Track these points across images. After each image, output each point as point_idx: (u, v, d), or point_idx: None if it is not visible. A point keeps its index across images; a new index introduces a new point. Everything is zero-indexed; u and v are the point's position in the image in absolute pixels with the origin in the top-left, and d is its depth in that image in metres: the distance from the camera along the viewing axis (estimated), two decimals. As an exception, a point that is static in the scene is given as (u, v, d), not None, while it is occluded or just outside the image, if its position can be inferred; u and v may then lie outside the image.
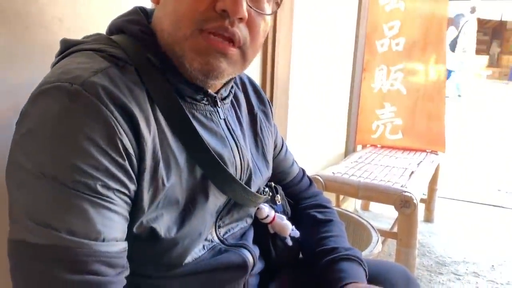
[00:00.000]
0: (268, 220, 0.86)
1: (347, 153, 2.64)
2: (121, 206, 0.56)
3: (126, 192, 0.57)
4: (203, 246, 0.72)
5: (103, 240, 0.53)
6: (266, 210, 0.86)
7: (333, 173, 1.88)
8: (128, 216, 0.58)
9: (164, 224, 0.63)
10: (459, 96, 8.86)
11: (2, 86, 0.73)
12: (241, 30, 0.62)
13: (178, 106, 0.64)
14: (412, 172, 1.98)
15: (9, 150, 0.56)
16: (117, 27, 0.68)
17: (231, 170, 0.71)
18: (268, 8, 0.66)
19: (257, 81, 1.50)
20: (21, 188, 0.54)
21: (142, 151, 0.58)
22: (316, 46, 2.06)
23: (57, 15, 0.79)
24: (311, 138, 2.18)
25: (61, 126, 0.53)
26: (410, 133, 2.52)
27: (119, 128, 0.55)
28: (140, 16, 0.68)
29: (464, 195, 3.24)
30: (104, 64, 0.58)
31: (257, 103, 0.88)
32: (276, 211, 0.88)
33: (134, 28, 0.66)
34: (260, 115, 0.86)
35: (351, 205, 2.66)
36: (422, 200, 2.54)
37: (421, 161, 2.23)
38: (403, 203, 1.61)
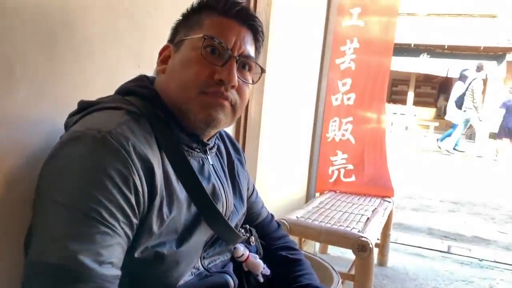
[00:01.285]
0: (243, 259, 0.98)
1: (308, 197, 2.79)
2: (122, 236, 0.67)
3: (129, 225, 0.68)
4: (191, 273, 0.84)
5: (102, 263, 0.63)
6: (242, 249, 0.98)
7: (297, 217, 2.01)
8: (125, 247, 0.69)
9: (166, 246, 0.75)
10: (454, 151, 9.03)
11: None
12: (233, 94, 0.81)
13: (181, 152, 0.79)
14: (368, 218, 2.13)
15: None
16: (127, 90, 0.83)
17: (219, 208, 0.85)
18: (251, 79, 0.86)
19: (232, 129, 1.64)
20: (43, 213, 0.66)
21: (154, 189, 0.72)
22: (283, 101, 2.24)
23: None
24: (276, 183, 2.32)
25: (86, 163, 0.66)
26: (362, 177, 2.76)
27: (134, 170, 0.68)
28: (146, 81, 0.85)
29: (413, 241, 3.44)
30: (124, 118, 0.73)
31: (233, 153, 1.03)
32: (250, 251, 1.00)
33: (142, 90, 0.82)
34: (236, 162, 1.02)
35: (310, 248, 2.78)
36: (376, 245, 2.69)
37: (375, 208, 2.40)
38: (360, 247, 1.75)
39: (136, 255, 0.71)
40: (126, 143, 0.68)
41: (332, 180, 2.80)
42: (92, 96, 0.83)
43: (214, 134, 0.90)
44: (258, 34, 0.88)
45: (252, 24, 0.85)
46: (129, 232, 0.69)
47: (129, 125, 0.72)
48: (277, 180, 2.35)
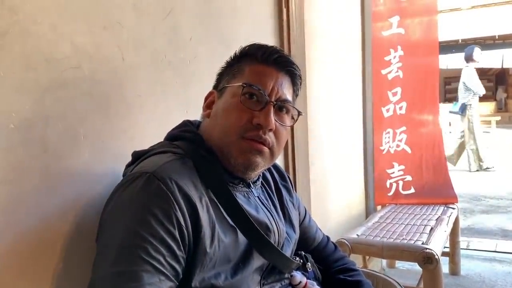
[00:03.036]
0: (300, 286, 1.00)
1: (368, 213, 2.76)
2: (168, 270, 0.72)
3: (174, 258, 0.73)
4: None
5: None
6: (299, 277, 1.00)
7: (357, 235, 2.00)
8: (174, 281, 0.73)
9: (221, 277, 0.80)
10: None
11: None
12: (270, 137, 0.86)
13: (225, 187, 0.84)
14: (432, 228, 2.08)
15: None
16: (174, 136, 0.91)
17: (271, 237, 0.89)
18: (288, 121, 0.91)
19: (280, 156, 1.69)
20: (97, 253, 0.75)
21: (199, 223, 0.76)
22: (329, 120, 2.27)
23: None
24: (333, 202, 2.32)
25: (133, 204, 0.74)
26: (421, 187, 2.67)
27: (176, 206, 0.74)
28: (190, 126, 0.92)
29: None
30: (169, 159, 0.80)
31: (279, 180, 1.07)
32: (308, 278, 1.02)
33: (188, 135, 0.89)
34: (283, 189, 1.05)
35: (377, 264, 2.73)
36: (445, 254, 2.60)
37: (439, 216, 2.33)
38: (426, 260, 1.71)
39: (197, 285, 0.77)
40: (169, 181, 0.75)
41: (391, 193, 2.73)
42: (146, 145, 0.91)
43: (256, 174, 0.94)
44: (295, 78, 0.93)
45: (289, 70, 0.91)
46: (175, 265, 0.73)
47: (173, 164, 0.79)
48: (334, 199, 2.36)
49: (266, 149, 0.86)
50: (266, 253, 0.88)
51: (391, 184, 2.74)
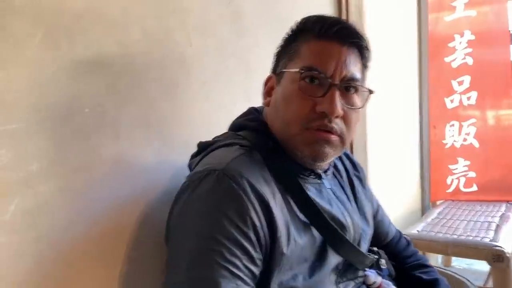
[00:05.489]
0: (375, 286, 0.93)
1: (423, 209, 2.64)
2: (245, 273, 0.67)
3: (250, 260, 0.68)
4: None
5: None
6: (373, 277, 0.93)
7: (418, 231, 1.91)
8: (251, 284, 0.68)
9: (299, 279, 0.75)
10: None
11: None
12: (337, 124, 0.76)
13: (296, 181, 0.78)
14: (498, 225, 1.95)
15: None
16: (239, 126, 0.85)
17: (346, 233, 0.82)
18: (358, 101, 0.79)
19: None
20: (169, 257, 0.71)
21: (274, 222, 0.70)
22: (385, 115, 2.17)
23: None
24: (389, 199, 2.23)
25: (204, 206, 0.69)
26: (485, 185, 2.48)
27: (250, 206, 0.68)
28: (255, 114, 0.86)
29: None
30: (237, 153, 0.75)
31: (352, 170, 0.99)
32: (382, 276, 0.96)
33: (253, 124, 0.83)
34: (355, 180, 0.98)
35: (433, 261, 2.61)
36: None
37: (503, 213, 2.19)
38: (496, 258, 1.60)
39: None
40: (240, 179, 0.69)
41: (450, 190, 2.56)
42: (212, 134, 0.88)
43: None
44: (363, 50, 0.81)
45: (354, 42, 0.78)
46: (253, 268, 0.68)
47: (242, 159, 0.73)
48: (390, 196, 2.26)
49: (334, 138, 0.76)
50: (341, 250, 0.81)
51: (452, 181, 2.54)
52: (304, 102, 0.75)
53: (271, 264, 0.71)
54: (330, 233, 0.79)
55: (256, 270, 0.69)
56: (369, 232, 0.94)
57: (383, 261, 0.97)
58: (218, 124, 0.95)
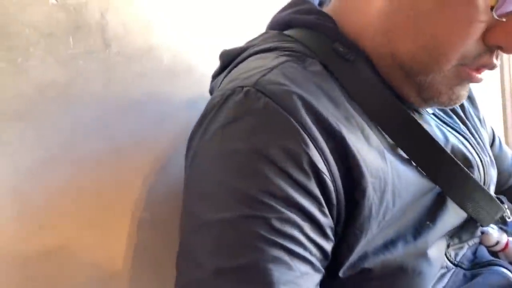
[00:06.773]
0: (499, 248, 0.65)
1: None
2: (311, 250, 0.41)
3: (315, 228, 0.41)
4: (441, 275, 0.55)
5: None
6: (496, 235, 0.65)
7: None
8: (319, 267, 0.42)
9: (396, 247, 0.48)
10: None
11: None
12: None
13: (392, 102, 0.49)
14: None
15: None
16: (283, 23, 0.56)
17: (473, 173, 0.55)
18: None
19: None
20: (185, 224, 0.45)
21: (355, 167, 0.43)
22: None
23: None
24: None
25: (227, 146, 0.43)
26: None
27: (306, 139, 0.41)
28: (309, 3, 0.56)
29: None
30: (281, 59, 0.47)
31: None
32: (506, 233, 0.66)
33: (307, 18, 0.53)
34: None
35: None
36: None
37: None
38: None
39: (350, 272, 0.46)
40: (287, 97, 0.42)
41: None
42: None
43: None
44: None
45: None
46: (320, 241, 0.42)
47: (288, 68, 0.45)
48: None
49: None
50: (469, 203, 0.53)
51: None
52: (475, 27, 0.46)
53: (353, 233, 0.45)
54: (455, 179, 0.51)
55: (326, 245, 0.43)
56: (494, 171, 0.65)
57: (508, 212, 0.65)
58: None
